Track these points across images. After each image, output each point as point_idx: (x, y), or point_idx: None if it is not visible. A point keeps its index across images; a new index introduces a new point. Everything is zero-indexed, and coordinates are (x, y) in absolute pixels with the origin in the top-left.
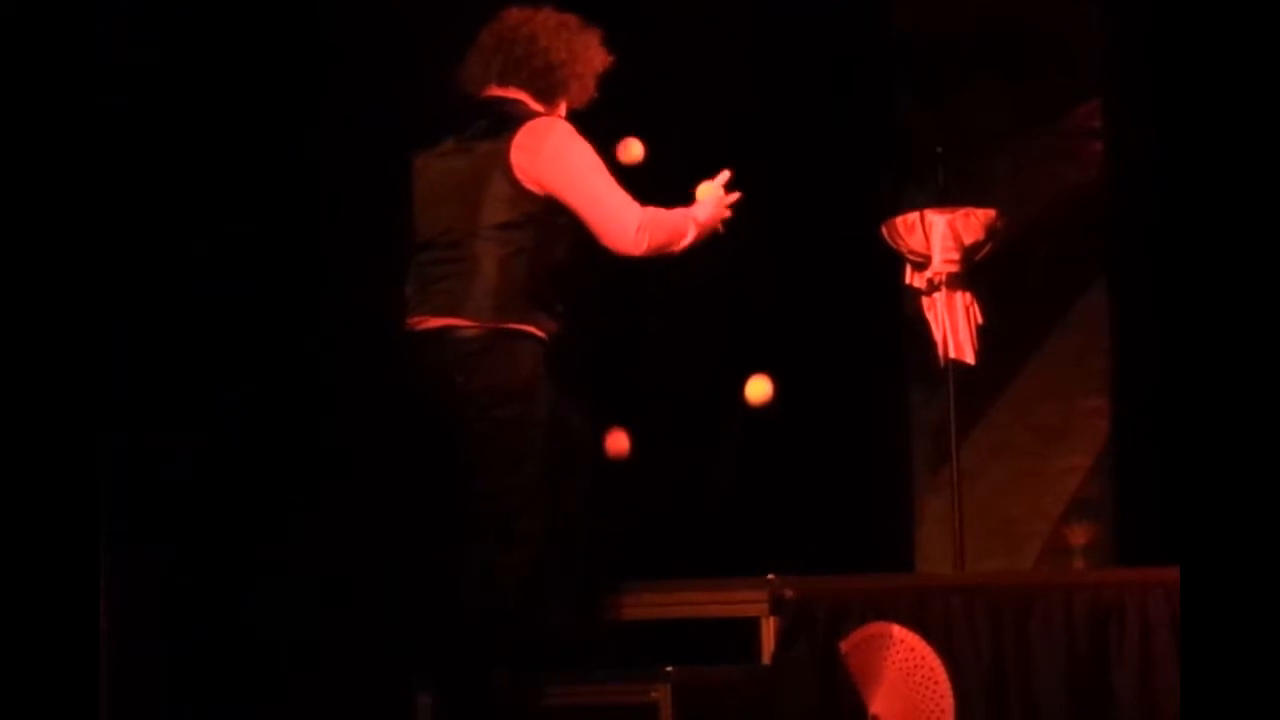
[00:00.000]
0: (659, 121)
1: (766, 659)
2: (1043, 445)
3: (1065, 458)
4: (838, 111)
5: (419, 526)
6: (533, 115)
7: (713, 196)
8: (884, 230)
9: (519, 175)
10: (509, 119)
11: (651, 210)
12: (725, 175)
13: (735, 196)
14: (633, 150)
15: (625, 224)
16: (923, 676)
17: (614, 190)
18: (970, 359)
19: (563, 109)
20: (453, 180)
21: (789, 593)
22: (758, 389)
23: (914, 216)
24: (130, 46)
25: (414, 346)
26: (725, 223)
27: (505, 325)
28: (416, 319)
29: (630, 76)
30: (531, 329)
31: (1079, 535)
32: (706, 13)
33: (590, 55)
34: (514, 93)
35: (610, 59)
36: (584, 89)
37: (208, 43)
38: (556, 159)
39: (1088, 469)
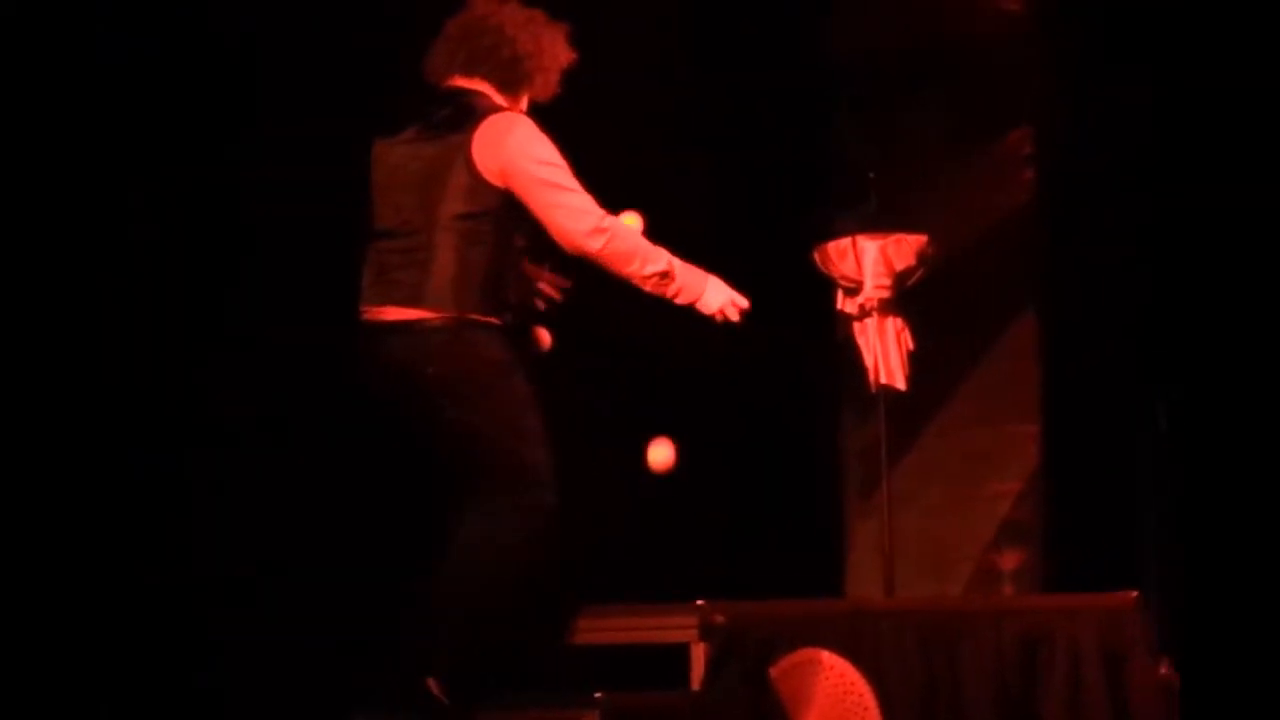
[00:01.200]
0: (593, 142)
1: (696, 684)
2: (973, 471)
3: (996, 483)
4: (772, 136)
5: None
6: (496, 108)
7: (722, 286)
8: (816, 256)
9: (480, 168)
10: (472, 111)
11: (615, 220)
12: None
13: (744, 305)
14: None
15: (583, 221)
16: (852, 702)
17: (574, 187)
18: (901, 385)
19: (525, 102)
20: (413, 170)
21: (719, 618)
22: (659, 455)
23: (846, 242)
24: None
25: (373, 337)
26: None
27: (467, 315)
28: (374, 309)
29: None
30: (492, 320)
31: (1009, 561)
32: (641, 36)
33: (556, 50)
34: (478, 84)
35: (574, 55)
36: (548, 83)
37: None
38: (519, 153)
39: (1018, 494)
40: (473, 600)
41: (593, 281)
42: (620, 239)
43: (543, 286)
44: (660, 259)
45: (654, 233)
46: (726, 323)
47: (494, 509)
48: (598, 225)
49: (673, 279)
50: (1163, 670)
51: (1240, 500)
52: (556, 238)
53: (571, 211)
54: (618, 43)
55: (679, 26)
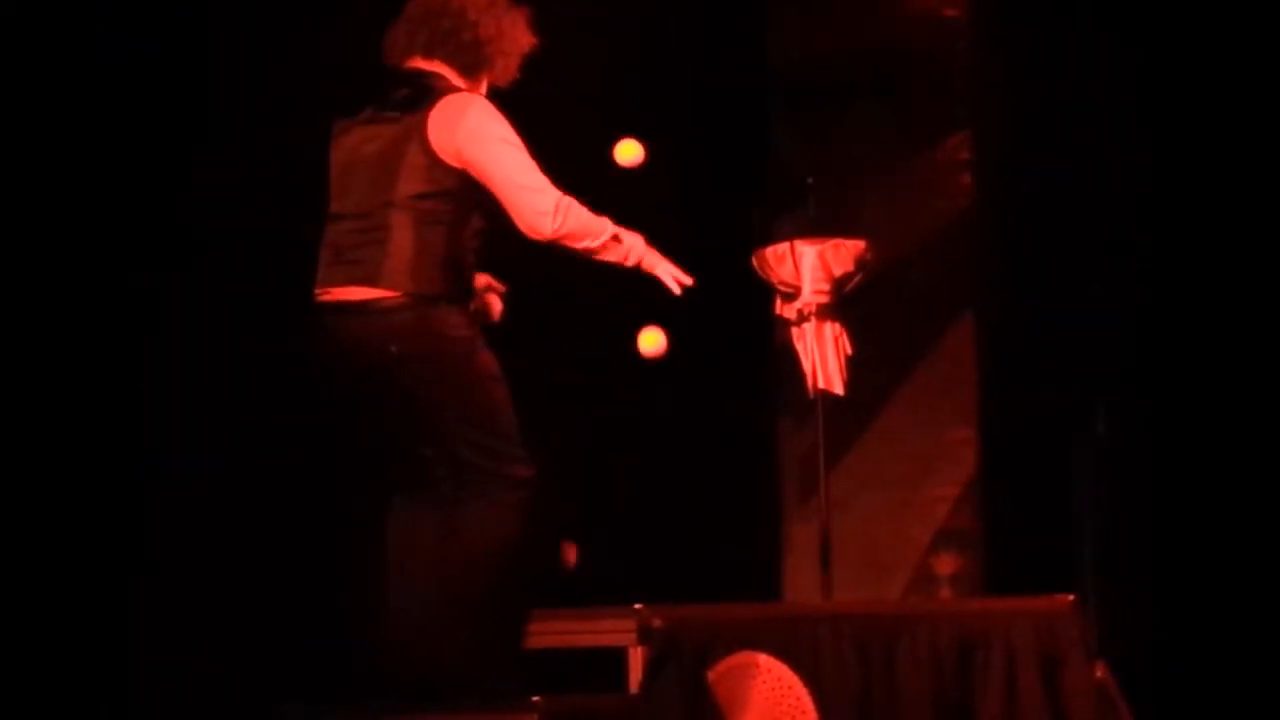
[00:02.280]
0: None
1: (634, 688)
2: (911, 475)
3: (933, 488)
4: (710, 141)
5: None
6: (453, 89)
7: (663, 259)
8: (754, 261)
9: (435, 148)
10: (429, 91)
11: (570, 199)
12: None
13: (685, 280)
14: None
15: (540, 203)
16: (789, 705)
17: (531, 169)
18: (839, 389)
19: (484, 86)
20: (369, 151)
21: (656, 622)
22: (651, 341)
23: (784, 247)
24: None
25: (329, 317)
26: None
27: (426, 294)
28: (330, 290)
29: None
30: (455, 297)
31: (946, 564)
32: (576, 39)
33: (517, 34)
34: (437, 66)
35: (536, 40)
36: (508, 67)
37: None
38: (474, 134)
39: (955, 499)
40: (490, 595)
41: (530, 287)
42: (573, 217)
43: (488, 298)
44: (607, 229)
45: None
46: (669, 294)
47: (488, 500)
48: (553, 207)
49: (622, 243)
50: (1098, 673)
51: (1176, 504)
52: (513, 219)
53: (527, 194)
54: (553, 44)
55: (616, 30)
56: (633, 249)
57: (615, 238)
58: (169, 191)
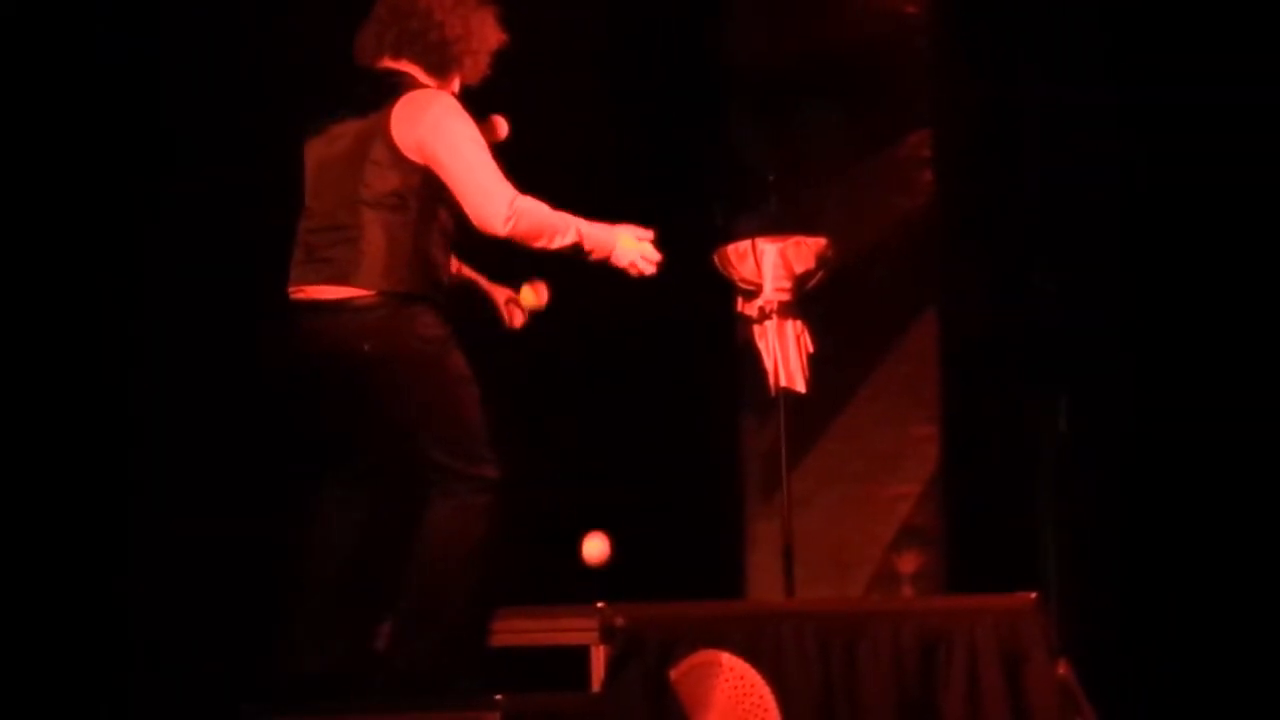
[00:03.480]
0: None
1: (597, 687)
2: (873, 473)
3: (896, 485)
4: (670, 138)
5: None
6: (419, 87)
7: (632, 241)
8: (715, 258)
9: (398, 144)
10: (395, 89)
11: (527, 198)
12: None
13: (655, 256)
14: (498, 127)
15: (497, 202)
16: (752, 704)
17: (489, 167)
18: (801, 387)
19: (455, 85)
20: (337, 150)
21: (619, 621)
22: (594, 548)
23: (745, 245)
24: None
25: (303, 317)
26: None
27: (399, 292)
28: (303, 289)
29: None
30: (427, 295)
31: (909, 562)
32: (536, 36)
33: (485, 32)
34: (405, 65)
35: (505, 38)
36: (477, 66)
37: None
38: (435, 130)
39: (918, 496)
40: (454, 595)
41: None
42: (527, 217)
43: (510, 310)
44: (569, 230)
45: None
46: (641, 276)
47: (456, 501)
48: (507, 209)
49: (582, 244)
50: (1061, 671)
51: (1139, 501)
52: (469, 216)
53: (483, 192)
54: (511, 43)
55: (575, 27)
56: (597, 247)
57: (577, 238)
58: (141, 188)
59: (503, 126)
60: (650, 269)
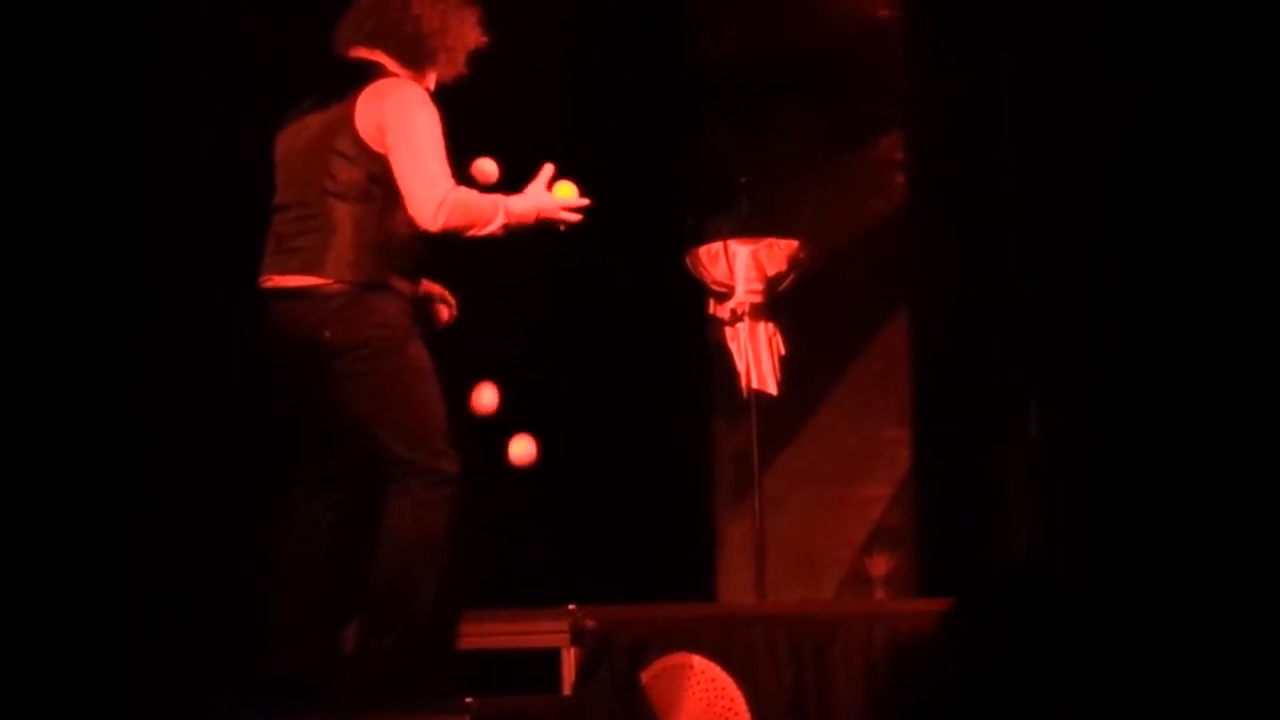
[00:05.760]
0: (465, 146)
1: (568, 689)
2: (845, 474)
3: (867, 487)
4: (643, 140)
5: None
6: (389, 76)
7: (548, 194)
8: (688, 260)
9: (361, 132)
10: (363, 77)
11: (460, 191)
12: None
13: (579, 203)
14: (487, 169)
15: (429, 197)
16: (723, 707)
17: (435, 161)
18: (773, 389)
19: (431, 80)
20: (305, 139)
21: (590, 623)
22: (520, 449)
23: (717, 247)
24: None
25: (272, 304)
26: (563, 223)
27: (364, 280)
28: (272, 277)
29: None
30: (393, 285)
31: (880, 564)
32: (510, 38)
33: (464, 30)
34: (379, 55)
35: (484, 38)
36: (453, 63)
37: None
38: (393, 117)
39: (889, 498)
40: (417, 593)
41: (462, 288)
42: (459, 212)
43: (437, 307)
44: (497, 213)
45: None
46: (570, 225)
47: (413, 497)
48: (440, 202)
49: (507, 221)
50: None
51: (1110, 504)
52: (407, 207)
53: (422, 184)
54: (488, 42)
55: (547, 28)
56: (524, 213)
57: (506, 218)
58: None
59: (492, 169)
60: (575, 216)
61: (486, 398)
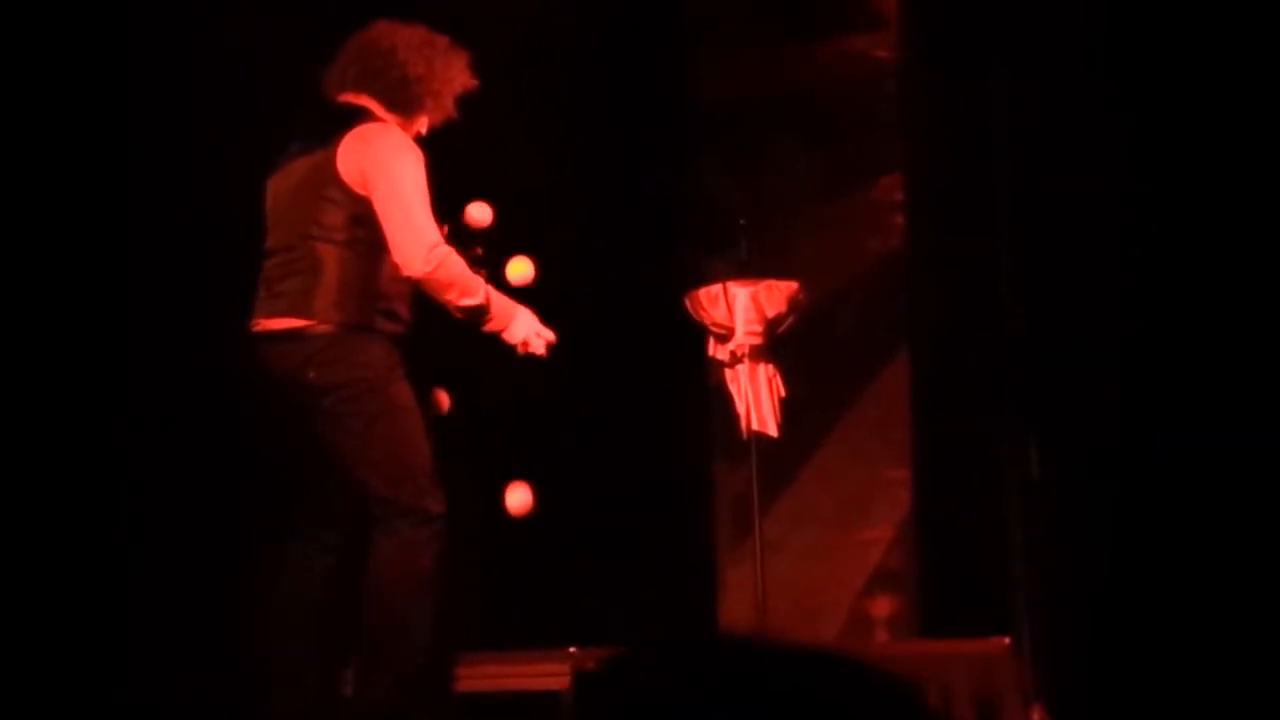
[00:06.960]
0: (459, 190)
1: None
2: (845, 517)
3: (868, 529)
4: (641, 181)
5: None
6: (374, 120)
7: (534, 320)
8: (687, 302)
9: (344, 177)
10: (348, 121)
11: (450, 249)
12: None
13: (550, 339)
14: (480, 214)
15: (420, 242)
16: None
17: (422, 208)
18: (773, 431)
19: (422, 124)
20: (291, 184)
21: (591, 665)
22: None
23: (717, 288)
24: None
25: (260, 347)
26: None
27: (350, 322)
28: (261, 321)
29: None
30: (378, 326)
31: (882, 607)
32: (505, 80)
33: (451, 75)
34: (366, 100)
35: (474, 82)
36: (441, 107)
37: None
38: (377, 161)
39: (890, 540)
40: (409, 633)
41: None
42: (447, 266)
43: (438, 396)
44: (478, 292)
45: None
46: (530, 355)
47: (398, 538)
48: (433, 249)
49: (488, 312)
50: (1036, 717)
51: (1113, 545)
52: (391, 250)
53: (410, 230)
54: (481, 84)
55: (543, 71)
56: (496, 318)
57: (480, 307)
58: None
59: (486, 213)
60: (541, 349)
61: (518, 498)
